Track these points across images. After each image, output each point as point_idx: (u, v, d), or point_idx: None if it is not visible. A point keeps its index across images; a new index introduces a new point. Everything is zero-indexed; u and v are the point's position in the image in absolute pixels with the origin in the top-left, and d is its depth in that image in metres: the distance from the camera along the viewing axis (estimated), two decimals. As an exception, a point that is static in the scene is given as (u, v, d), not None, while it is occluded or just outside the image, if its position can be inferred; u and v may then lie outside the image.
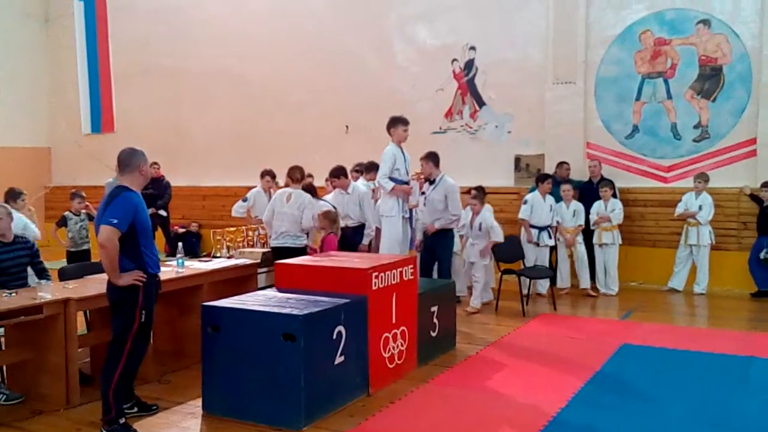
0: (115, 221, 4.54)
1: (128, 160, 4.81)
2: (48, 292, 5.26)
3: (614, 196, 9.71)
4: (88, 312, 6.02)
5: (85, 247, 8.87)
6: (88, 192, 14.76)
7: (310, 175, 10.29)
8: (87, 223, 8.89)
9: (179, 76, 13.97)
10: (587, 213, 9.57)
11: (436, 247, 7.79)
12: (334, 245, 7.89)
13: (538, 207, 9.39)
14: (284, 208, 7.50)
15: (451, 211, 7.59)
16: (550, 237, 9.46)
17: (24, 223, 7.02)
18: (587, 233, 9.63)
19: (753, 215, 9.39)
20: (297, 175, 7.68)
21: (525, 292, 8.65)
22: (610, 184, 9.71)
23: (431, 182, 7.79)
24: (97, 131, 15.24)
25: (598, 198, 9.60)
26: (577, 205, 9.57)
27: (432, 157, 7.85)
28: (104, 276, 6.11)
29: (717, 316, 8.36)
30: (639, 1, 10.19)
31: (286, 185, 7.77)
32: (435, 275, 8.13)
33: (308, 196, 7.50)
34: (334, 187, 8.88)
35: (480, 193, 8.71)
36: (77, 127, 15.36)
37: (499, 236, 8.43)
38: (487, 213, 8.65)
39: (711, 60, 9.82)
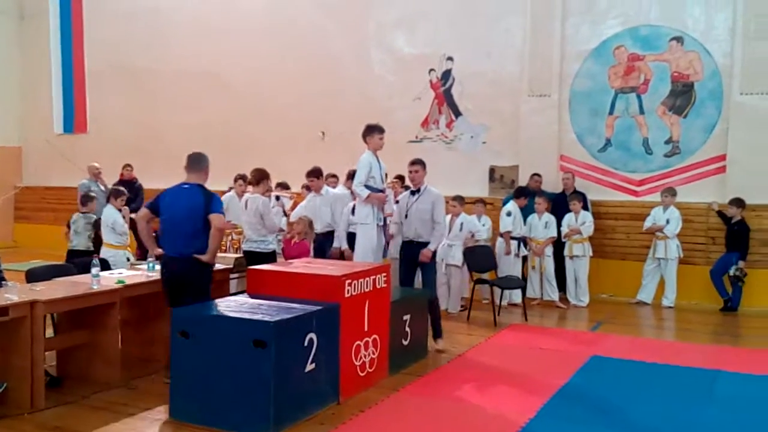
0: (222, 211, 5.67)
1: (199, 160, 5.80)
2: (14, 293, 5.16)
3: (585, 208, 9.80)
4: (55, 315, 5.92)
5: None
6: (58, 193, 14.72)
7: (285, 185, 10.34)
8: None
9: (154, 78, 13.85)
10: (559, 225, 9.65)
11: (418, 259, 7.19)
12: (307, 251, 7.87)
13: (518, 219, 9.52)
14: (244, 215, 7.60)
15: (436, 219, 7.15)
16: (526, 248, 9.57)
17: (114, 219, 8.18)
18: (558, 245, 9.71)
19: (721, 230, 9.53)
20: (252, 179, 7.72)
21: (497, 302, 8.70)
22: (580, 196, 9.81)
23: (415, 192, 7.26)
24: (69, 131, 15.06)
25: (570, 210, 9.70)
26: (549, 217, 9.65)
27: (424, 164, 7.35)
28: (73, 279, 6.06)
29: (684, 329, 8.45)
30: (614, 17, 10.31)
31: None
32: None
33: (262, 199, 7.43)
34: (309, 189, 8.95)
35: (460, 198, 9.12)
36: (49, 126, 15.15)
37: (483, 234, 9.28)
38: (471, 217, 9.30)
39: (683, 76, 9.97)
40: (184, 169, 5.89)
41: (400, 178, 9.48)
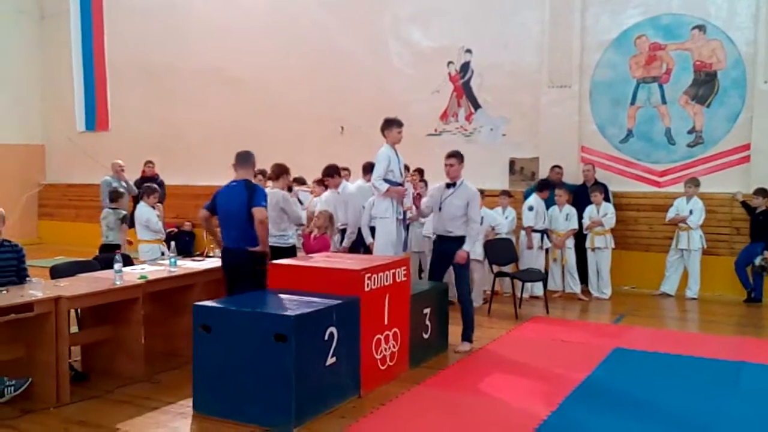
0: (265, 204, 6.12)
1: (246, 157, 6.34)
2: (39, 289, 5.24)
3: (607, 199, 9.74)
4: (79, 310, 6.00)
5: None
6: (80, 190, 14.90)
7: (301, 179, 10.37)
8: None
9: (174, 75, 13.96)
10: (580, 217, 9.60)
11: (451, 255, 6.88)
12: (328, 246, 7.89)
13: (541, 213, 9.51)
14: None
15: (471, 217, 6.83)
16: (549, 240, 9.54)
17: (147, 217, 8.27)
18: (580, 237, 9.66)
19: (745, 221, 9.42)
20: (271, 174, 7.78)
21: (518, 294, 8.69)
22: (601, 188, 9.74)
23: (450, 185, 6.95)
24: (91, 129, 15.22)
25: (591, 202, 9.64)
26: (570, 209, 9.60)
27: (461, 157, 7.00)
28: (97, 274, 6.16)
29: (708, 321, 8.38)
30: (635, 6, 10.21)
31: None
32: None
33: (281, 194, 7.46)
34: (327, 187, 8.94)
35: (480, 191, 8.90)
36: (71, 124, 15.32)
37: (503, 228, 9.23)
38: (491, 211, 9.28)
39: (706, 65, 9.86)
40: (233, 167, 6.41)
41: (420, 171, 9.47)
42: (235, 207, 6.12)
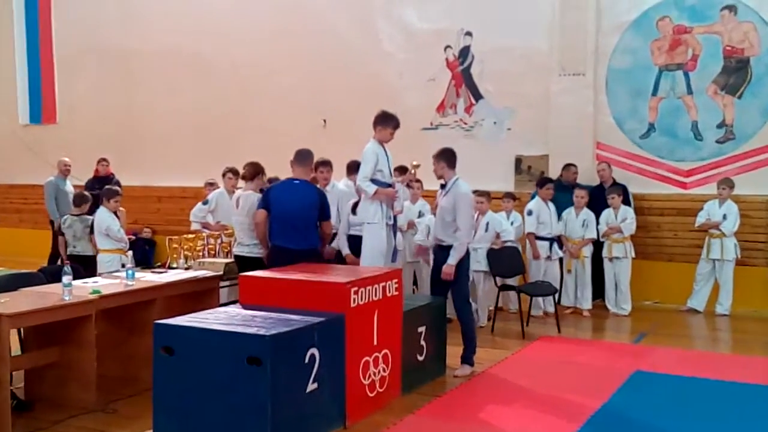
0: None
1: (307, 155, 7.02)
2: (-25, 306, 5.20)
3: (626, 203, 9.76)
4: (22, 330, 5.96)
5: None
6: (25, 191, 14.81)
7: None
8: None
9: (131, 61, 13.94)
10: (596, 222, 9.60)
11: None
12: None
13: (544, 216, 9.47)
14: (235, 215, 7.69)
15: (458, 223, 6.71)
16: (561, 248, 9.51)
17: (108, 224, 8.21)
18: (596, 245, 9.67)
19: (783, 226, 9.51)
20: (246, 173, 7.86)
21: (527, 311, 8.71)
22: (620, 189, 9.75)
23: (443, 186, 6.98)
24: (36, 122, 15.17)
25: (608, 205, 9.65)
26: (588, 214, 9.57)
27: (444, 156, 6.95)
28: (42, 289, 6.12)
29: (742, 341, 8.43)
30: (656, -16, 10.31)
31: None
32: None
33: (256, 197, 7.46)
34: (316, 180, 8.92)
35: (486, 193, 8.96)
36: (14, 116, 15.25)
37: (509, 235, 9.06)
38: (497, 215, 9.18)
39: (737, 51, 9.93)
40: (291, 164, 7.03)
41: (402, 169, 9.19)
42: (298, 207, 6.76)
